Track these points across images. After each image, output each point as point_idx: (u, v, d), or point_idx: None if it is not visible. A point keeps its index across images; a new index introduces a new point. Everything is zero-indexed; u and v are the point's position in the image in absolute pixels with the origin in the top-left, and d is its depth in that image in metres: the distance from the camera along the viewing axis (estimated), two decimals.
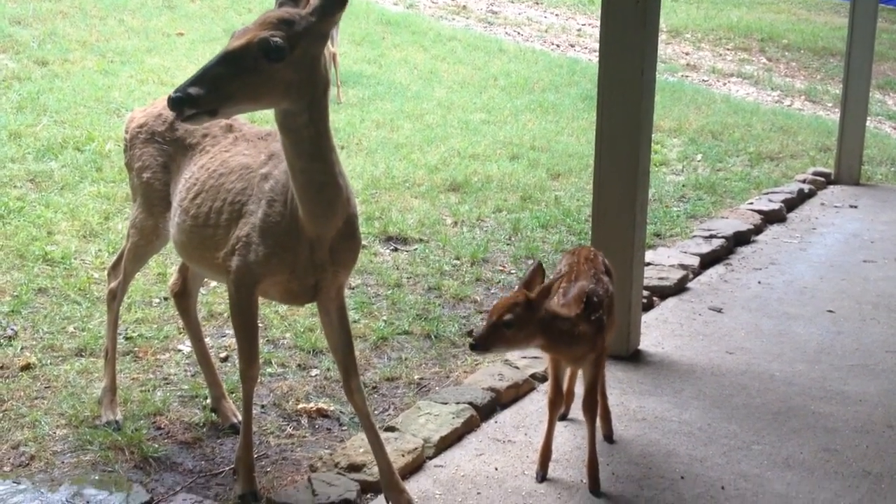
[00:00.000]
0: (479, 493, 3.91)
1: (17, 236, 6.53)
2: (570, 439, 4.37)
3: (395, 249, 7.20)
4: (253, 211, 3.67)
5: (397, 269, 6.76)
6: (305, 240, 3.57)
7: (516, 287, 3.73)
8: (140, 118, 4.35)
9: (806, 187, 9.41)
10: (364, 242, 7.19)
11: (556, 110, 12.62)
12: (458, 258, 7.05)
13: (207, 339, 4.93)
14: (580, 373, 4.10)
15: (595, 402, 4.02)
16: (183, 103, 3.13)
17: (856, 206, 8.97)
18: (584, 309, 3.80)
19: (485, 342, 3.59)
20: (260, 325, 5.41)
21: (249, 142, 3.96)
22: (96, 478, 3.97)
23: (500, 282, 6.64)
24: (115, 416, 4.39)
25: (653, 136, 5.75)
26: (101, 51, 12.36)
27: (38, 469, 4.03)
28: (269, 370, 5.07)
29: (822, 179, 9.86)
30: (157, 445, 4.25)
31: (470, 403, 4.60)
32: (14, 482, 3.89)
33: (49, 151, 8.40)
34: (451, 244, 7.29)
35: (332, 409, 4.70)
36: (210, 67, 3.19)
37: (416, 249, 7.18)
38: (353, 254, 3.80)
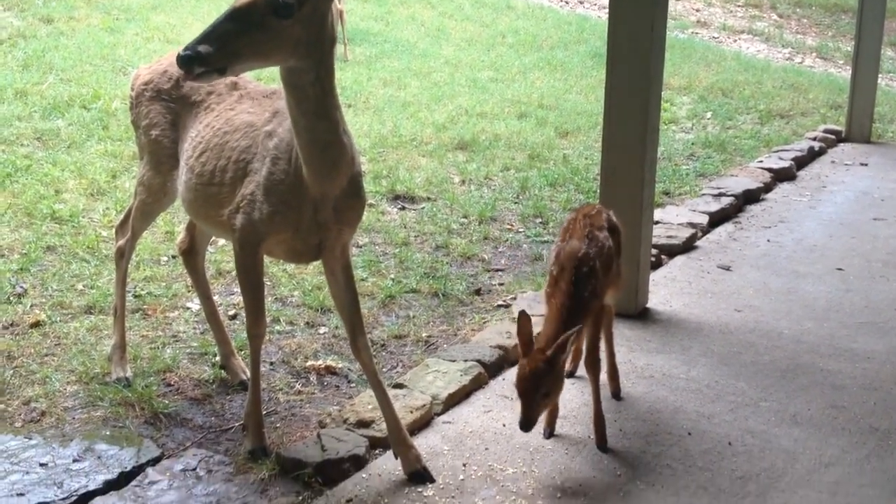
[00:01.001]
0: (486, 449, 3.93)
1: (25, 194, 6.53)
2: (577, 396, 4.38)
3: (403, 208, 7.19)
4: (257, 169, 3.66)
5: (405, 227, 6.75)
6: (309, 199, 3.55)
7: (521, 347, 3.70)
8: (146, 75, 4.32)
9: (816, 145, 9.36)
10: (371, 201, 7.19)
11: (565, 68, 12.53)
12: (465, 217, 7.04)
13: (216, 297, 4.94)
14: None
15: (597, 359, 4.02)
16: (192, 61, 3.09)
17: (866, 164, 8.92)
18: (574, 289, 3.78)
19: (533, 420, 3.63)
20: (268, 283, 5.42)
21: (254, 100, 3.94)
22: (107, 433, 4.00)
23: (507, 240, 6.63)
24: (125, 372, 4.41)
25: (662, 93, 5.71)
26: (107, 8, 12.30)
27: (50, 425, 4.06)
28: (277, 328, 5.09)
29: (833, 137, 9.81)
30: (167, 402, 4.28)
31: (478, 361, 4.61)
32: (26, 437, 3.92)
33: (55, 109, 8.39)
34: (459, 203, 7.28)
35: (340, 366, 4.72)
36: (218, 24, 3.15)
37: (423, 208, 7.17)
38: (358, 213, 3.79)
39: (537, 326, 4.94)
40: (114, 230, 4.83)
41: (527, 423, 3.65)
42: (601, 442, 3.98)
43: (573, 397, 4.36)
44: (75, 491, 3.57)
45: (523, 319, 3.71)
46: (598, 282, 3.88)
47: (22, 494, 3.52)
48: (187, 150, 4.00)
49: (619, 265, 4.22)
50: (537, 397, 3.64)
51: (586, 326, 3.93)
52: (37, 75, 9.35)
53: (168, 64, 4.26)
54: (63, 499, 3.51)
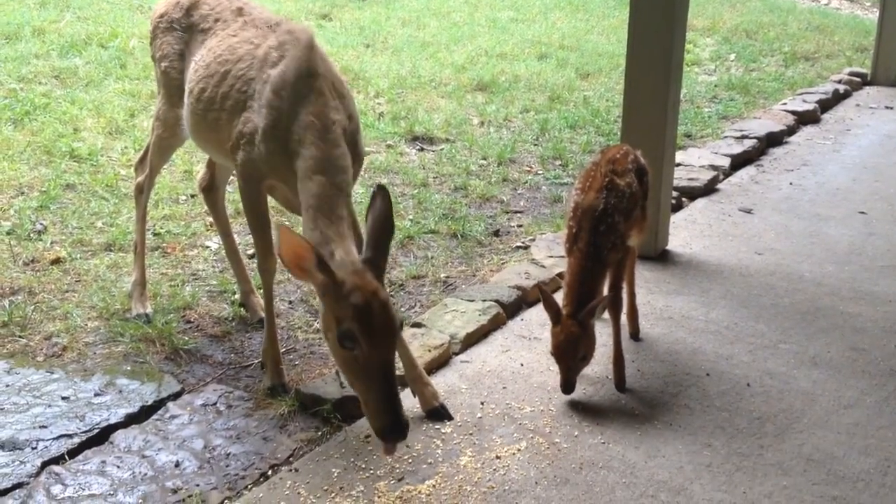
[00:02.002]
0: (504, 388, 3.94)
1: (44, 132, 6.52)
2: (596, 337, 4.36)
3: (422, 149, 7.15)
4: (256, 110, 3.63)
5: (423, 168, 6.71)
6: None
7: (551, 317, 3.77)
8: (161, 8, 4.31)
9: (841, 88, 9.23)
10: (390, 142, 7.15)
11: (587, 8, 12.34)
12: (484, 158, 6.99)
13: (236, 237, 4.93)
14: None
15: (619, 300, 4.02)
16: (406, 428, 3.05)
17: (892, 108, 8.79)
18: (592, 249, 3.76)
19: (574, 383, 3.79)
20: (287, 223, 5.42)
21: (258, 28, 3.91)
22: (128, 368, 4.03)
23: (526, 182, 6.59)
24: (145, 309, 4.43)
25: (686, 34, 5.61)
26: None
27: (71, 359, 4.10)
28: None
29: (858, 80, 9.67)
30: (187, 338, 4.30)
31: (496, 301, 4.60)
32: (47, 371, 3.95)
33: (73, 48, 8.34)
34: (478, 144, 7.22)
35: None
36: (392, 390, 3.03)
37: (442, 149, 7.12)
38: (357, 172, 3.76)
39: (558, 266, 4.95)
40: (133, 167, 4.83)
41: (568, 387, 3.78)
42: (620, 383, 3.98)
43: None
44: (97, 424, 3.61)
45: (545, 293, 3.80)
46: (617, 235, 3.85)
47: (44, 426, 3.57)
48: (189, 74, 4.00)
49: (645, 207, 4.18)
50: (575, 362, 3.76)
51: (610, 269, 3.91)
52: (54, 13, 9.29)
53: None
54: (85, 431, 3.56)
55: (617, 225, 3.84)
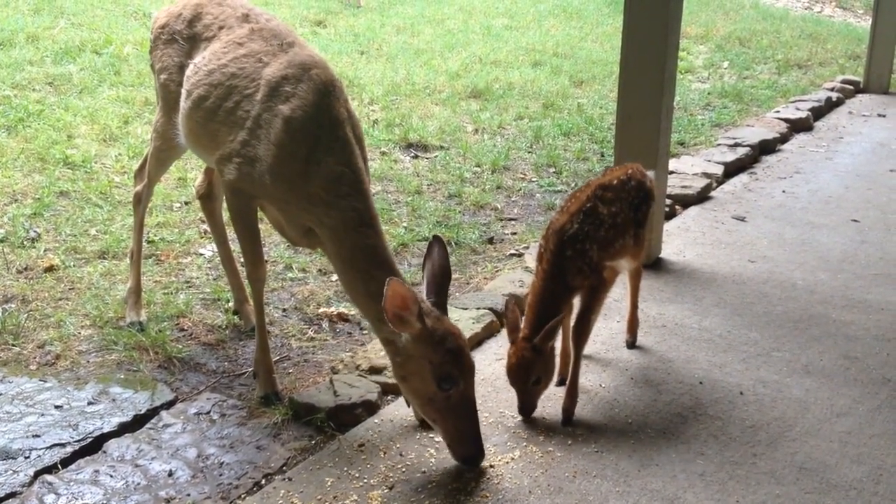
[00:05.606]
0: (498, 396, 3.94)
1: (38, 139, 6.52)
2: (588, 345, 4.36)
3: (416, 156, 7.15)
4: (263, 142, 3.59)
5: (417, 176, 6.72)
6: None
7: (509, 335, 3.69)
8: (163, 18, 4.23)
9: (834, 96, 9.27)
10: (384, 149, 7.16)
11: (581, 15, 12.38)
12: (478, 165, 7.01)
13: (231, 244, 4.93)
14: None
15: (583, 331, 3.83)
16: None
17: (884, 115, 8.84)
18: (554, 271, 3.67)
19: (531, 406, 3.76)
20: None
21: (267, 41, 3.81)
22: (121, 377, 4.02)
23: (520, 189, 6.60)
24: (139, 317, 4.42)
25: (679, 42, 5.63)
26: None
27: (64, 368, 4.09)
28: (290, 275, 5.10)
29: (851, 88, 9.73)
30: (180, 346, 4.30)
31: (490, 309, 4.61)
32: (41, 380, 3.94)
33: (67, 54, 8.34)
34: (472, 151, 7.23)
35: (352, 313, 4.72)
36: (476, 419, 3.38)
37: (436, 156, 7.13)
38: None
39: None
40: (128, 176, 4.82)
41: (524, 411, 3.75)
42: (567, 417, 3.79)
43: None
44: (90, 433, 3.60)
45: (510, 305, 3.70)
46: (585, 261, 3.72)
47: (38, 436, 3.56)
48: (189, 75, 3.93)
49: (640, 235, 4.03)
50: (528, 386, 3.69)
51: (583, 293, 3.80)
52: (48, 19, 9.29)
53: (183, 6, 4.18)
54: (78, 440, 3.55)
55: (587, 252, 3.73)
